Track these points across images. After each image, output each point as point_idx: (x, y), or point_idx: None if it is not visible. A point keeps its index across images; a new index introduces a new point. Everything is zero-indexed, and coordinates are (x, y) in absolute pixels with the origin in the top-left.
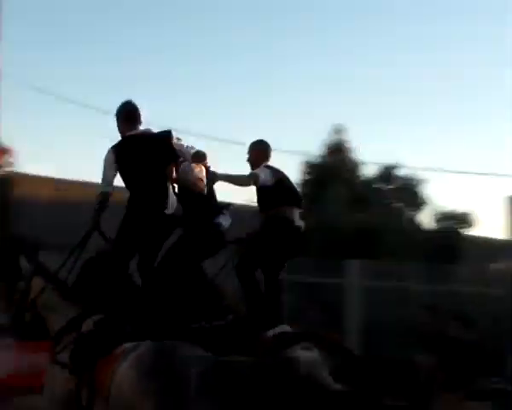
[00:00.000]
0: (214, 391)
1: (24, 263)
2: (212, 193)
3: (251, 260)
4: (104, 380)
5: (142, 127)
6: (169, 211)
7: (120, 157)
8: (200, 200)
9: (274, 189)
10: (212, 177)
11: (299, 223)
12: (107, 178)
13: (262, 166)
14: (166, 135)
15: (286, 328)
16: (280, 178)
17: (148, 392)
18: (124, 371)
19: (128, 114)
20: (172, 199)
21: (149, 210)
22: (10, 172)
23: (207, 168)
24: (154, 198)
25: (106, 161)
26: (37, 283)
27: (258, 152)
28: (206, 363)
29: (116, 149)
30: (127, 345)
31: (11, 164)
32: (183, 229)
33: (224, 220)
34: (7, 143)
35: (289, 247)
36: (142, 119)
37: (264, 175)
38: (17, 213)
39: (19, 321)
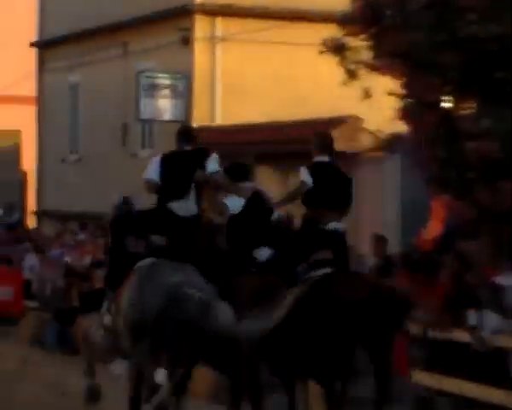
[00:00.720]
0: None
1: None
2: (262, 221)
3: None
4: (120, 297)
5: None
6: (184, 210)
7: (163, 164)
8: (240, 230)
9: (312, 191)
10: (270, 209)
11: (336, 226)
12: (149, 175)
13: (304, 168)
14: (203, 153)
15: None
16: (324, 178)
17: (133, 301)
18: (127, 286)
19: (181, 135)
20: (193, 203)
21: (160, 200)
22: None
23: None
24: (167, 193)
25: (153, 163)
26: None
27: (314, 147)
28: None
29: (163, 157)
30: (138, 264)
31: None
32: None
33: (263, 252)
34: None
35: (315, 248)
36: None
37: (307, 178)
38: None
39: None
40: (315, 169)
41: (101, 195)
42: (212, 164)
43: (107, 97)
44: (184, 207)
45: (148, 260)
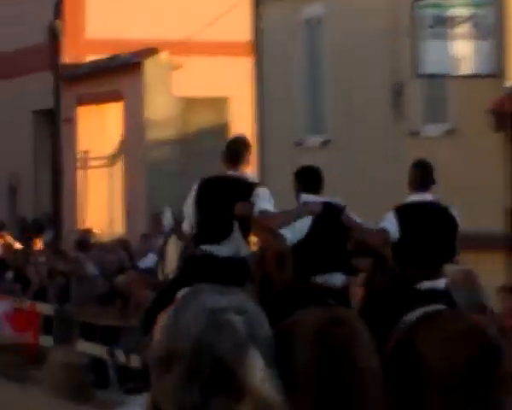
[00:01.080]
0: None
1: (168, 219)
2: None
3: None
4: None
5: None
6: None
7: (198, 196)
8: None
9: (401, 244)
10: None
11: (433, 285)
12: (187, 215)
13: (393, 212)
14: (248, 186)
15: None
16: (418, 225)
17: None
18: (164, 316)
19: (228, 151)
20: (237, 241)
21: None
22: None
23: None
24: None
25: (189, 198)
26: (173, 240)
27: (409, 180)
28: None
29: (197, 189)
30: (180, 293)
31: None
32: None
33: (336, 278)
34: None
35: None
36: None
37: (391, 226)
38: None
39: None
40: (407, 213)
41: (368, 198)
42: (263, 201)
43: (367, 42)
44: (227, 250)
45: (191, 287)
